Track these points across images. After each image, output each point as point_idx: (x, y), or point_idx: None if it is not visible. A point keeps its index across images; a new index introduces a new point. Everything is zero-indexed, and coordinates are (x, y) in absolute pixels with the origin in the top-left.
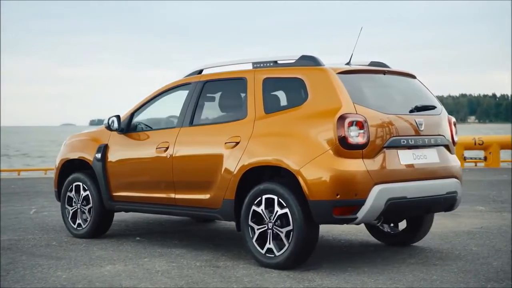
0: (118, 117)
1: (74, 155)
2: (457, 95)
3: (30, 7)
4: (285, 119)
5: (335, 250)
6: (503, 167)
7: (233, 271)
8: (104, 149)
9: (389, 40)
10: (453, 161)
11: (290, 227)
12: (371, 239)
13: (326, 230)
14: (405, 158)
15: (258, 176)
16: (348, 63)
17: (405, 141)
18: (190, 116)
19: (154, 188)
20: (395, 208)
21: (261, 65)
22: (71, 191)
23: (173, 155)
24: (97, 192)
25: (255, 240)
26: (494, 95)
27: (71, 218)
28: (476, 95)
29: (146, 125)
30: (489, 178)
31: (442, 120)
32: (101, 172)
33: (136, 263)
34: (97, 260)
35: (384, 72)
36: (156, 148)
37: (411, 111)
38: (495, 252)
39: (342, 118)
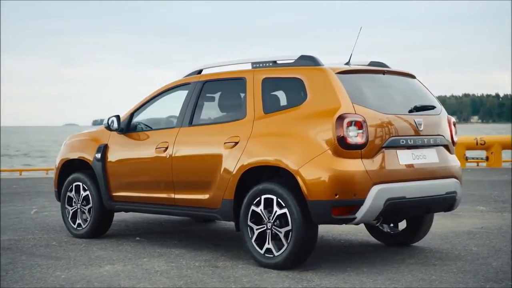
0: (117, 117)
1: (74, 155)
2: (460, 95)
3: (30, 7)
4: (284, 119)
5: (334, 250)
6: (505, 167)
7: (232, 271)
8: (104, 149)
9: (389, 40)
10: (453, 161)
11: (289, 227)
12: (371, 239)
13: (326, 230)
14: (404, 158)
15: (257, 176)
16: (347, 63)
17: (404, 141)
18: (190, 116)
19: (154, 188)
20: (394, 208)
21: (260, 65)
22: (71, 191)
23: (173, 155)
24: (97, 192)
25: (254, 240)
26: (497, 95)
27: (71, 218)
28: (479, 95)
29: (146, 125)
30: (490, 178)
31: (442, 120)
32: (101, 172)
33: (135, 263)
34: (97, 260)
35: (383, 72)
36: (156, 148)
37: (410, 111)
38: (495, 252)
39: (341, 118)
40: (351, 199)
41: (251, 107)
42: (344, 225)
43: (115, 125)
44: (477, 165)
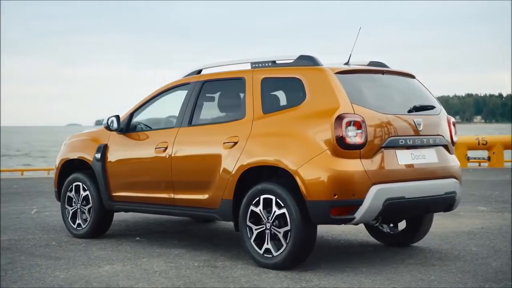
0: (117, 117)
1: (74, 155)
2: (463, 95)
3: (30, 7)
4: (283, 119)
5: (334, 250)
6: (507, 167)
7: (231, 271)
8: (103, 149)
9: (389, 40)
10: (452, 161)
11: (288, 227)
12: (371, 239)
13: (326, 230)
14: (403, 158)
15: (256, 176)
16: (346, 63)
17: (403, 141)
18: (189, 116)
19: (153, 188)
20: (393, 208)
21: (260, 65)
22: (71, 191)
23: (172, 155)
24: (96, 192)
25: (253, 240)
26: (500, 95)
27: (71, 218)
28: (482, 95)
29: (146, 125)
30: (491, 178)
31: (441, 120)
32: (100, 172)
33: (134, 263)
34: (96, 260)
35: (382, 72)
36: (155, 148)
37: (409, 111)
38: (494, 253)
39: (340, 118)
40: (350, 199)
41: (250, 107)
42: (343, 225)
43: (115, 125)
44: (479, 165)
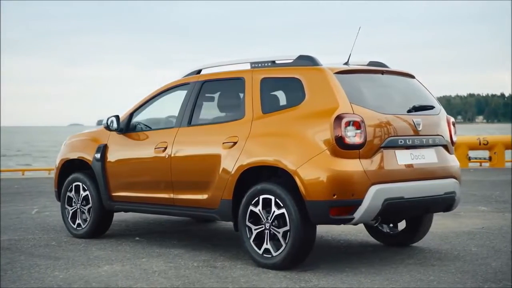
0: (117, 117)
1: (74, 155)
2: (465, 94)
3: (30, 7)
4: (282, 119)
5: (333, 250)
6: (508, 167)
7: (230, 271)
8: (103, 149)
9: (389, 40)
10: (452, 161)
11: (287, 228)
12: (371, 239)
13: (326, 230)
14: (403, 158)
15: (255, 176)
16: (346, 63)
17: (403, 141)
18: (189, 116)
19: (153, 188)
20: (392, 208)
21: (259, 65)
22: (70, 191)
23: (171, 155)
24: (96, 192)
25: (253, 241)
26: (502, 95)
27: (71, 218)
28: (484, 95)
29: (145, 125)
30: (493, 178)
31: (441, 120)
32: (100, 172)
33: (133, 263)
34: (95, 260)
35: (382, 72)
36: (155, 148)
37: (409, 111)
38: (494, 253)
39: (339, 118)
40: (349, 199)
41: (249, 107)
42: (343, 225)
43: (115, 125)
44: (480, 165)
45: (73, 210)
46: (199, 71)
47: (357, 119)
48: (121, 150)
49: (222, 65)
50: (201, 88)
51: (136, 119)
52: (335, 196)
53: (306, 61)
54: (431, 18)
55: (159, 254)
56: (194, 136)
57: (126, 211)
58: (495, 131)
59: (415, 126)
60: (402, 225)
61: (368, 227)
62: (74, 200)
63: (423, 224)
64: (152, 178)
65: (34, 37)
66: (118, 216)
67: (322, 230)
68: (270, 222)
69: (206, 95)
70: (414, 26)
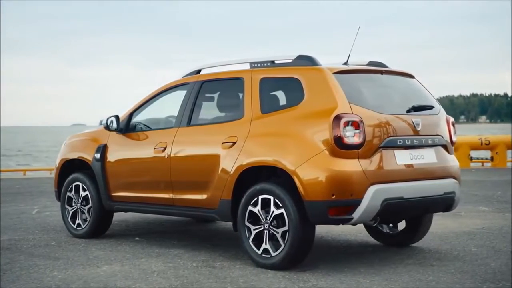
0: (117, 117)
1: (74, 155)
2: (468, 94)
3: (30, 7)
4: (281, 119)
5: (333, 250)
6: (510, 167)
7: (229, 271)
8: (103, 149)
9: (389, 40)
10: (451, 161)
11: (286, 228)
12: (370, 239)
13: (326, 230)
14: (402, 158)
15: (255, 176)
16: (345, 63)
17: (402, 141)
18: (188, 116)
19: (152, 188)
20: (391, 209)
21: (259, 65)
22: (70, 191)
23: (171, 155)
24: (96, 192)
25: (252, 241)
26: (505, 95)
27: (70, 218)
28: (487, 95)
29: (145, 125)
30: (494, 178)
31: (440, 120)
32: (100, 172)
33: (132, 263)
34: (94, 260)
35: (381, 72)
36: (154, 148)
37: (408, 111)
38: (494, 253)
39: (337, 118)
40: (347, 200)
41: (248, 107)
42: (343, 225)
43: (114, 125)
44: (482, 165)
45: (73, 210)
46: (198, 71)
47: (356, 119)
48: (120, 150)
49: (222, 65)
50: (200, 88)
51: (136, 119)
52: (334, 196)
53: (305, 61)
54: (431, 18)
55: (158, 254)
56: (193, 136)
57: (125, 211)
58: (498, 131)
59: (415, 126)
60: (402, 225)
61: (368, 227)
62: (74, 200)
63: (423, 224)
64: (152, 178)
65: (34, 37)
66: (118, 216)
67: (322, 230)
68: (269, 222)
69: (206, 95)
70: (414, 26)
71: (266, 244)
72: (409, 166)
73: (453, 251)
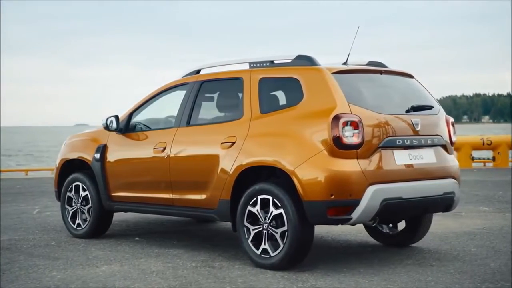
0: (116, 117)
1: (74, 155)
2: (471, 94)
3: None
4: (280, 119)
5: (332, 250)
6: (511, 168)
7: (228, 271)
8: (103, 149)
9: (389, 40)
10: (451, 161)
11: (285, 228)
12: (370, 239)
13: (326, 230)
14: (401, 158)
15: (254, 176)
16: (345, 63)
17: (401, 141)
18: (187, 116)
19: (152, 188)
20: (390, 209)
21: (258, 65)
22: (70, 191)
23: (170, 155)
24: (96, 192)
25: (251, 241)
26: (508, 95)
27: (70, 218)
28: (490, 95)
29: (145, 125)
30: (496, 179)
31: (440, 120)
32: (100, 172)
33: (132, 263)
34: (94, 260)
35: (381, 72)
36: (154, 148)
37: (407, 111)
38: (494, 253)
39: (336, 118)
40: (346, 200)
41: (248, 107)
42: (341, 225)
43: (114, 125)
44: (484, 165)
45: (73, 210)
46: (198, 71)
47: (355, 119)
48: (120, 150)
49: (221, 65)
50: (200, 88)
51: (136, 119)
52: (333, 196)
53: (305, 61)
54: (431, 18)
55: (158, 254)
56: (192, 136)
57: (125, 211)
58: (501, 131)
59: (414, 126)
60: (401, 225)
61: (368, 227)
62: (74, 200)
63: (423, 224)
64: (151, 178)
65: (34, 37)
66: (118, 216)
67: (322, 230)
68: (268, 222)
69: (205, 95)
70: (414, 26)
71: (265, 244)
72: (408, 166)
73: (452, 251)
